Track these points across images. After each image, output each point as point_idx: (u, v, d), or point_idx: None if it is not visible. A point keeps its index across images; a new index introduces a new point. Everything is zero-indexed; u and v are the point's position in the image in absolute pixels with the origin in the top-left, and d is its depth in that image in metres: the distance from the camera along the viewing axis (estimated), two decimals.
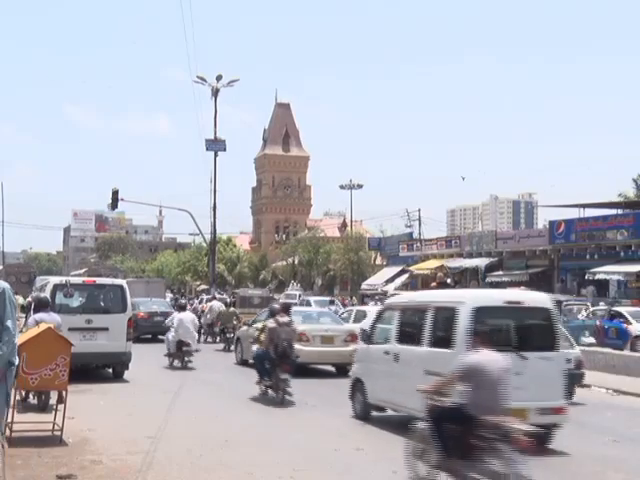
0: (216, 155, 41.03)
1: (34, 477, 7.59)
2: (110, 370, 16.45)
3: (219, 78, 40.74)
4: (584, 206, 38.21)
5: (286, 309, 14.84)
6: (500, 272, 38.48)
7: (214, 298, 29.80)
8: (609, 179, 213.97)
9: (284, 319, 14.09)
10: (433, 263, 43.99)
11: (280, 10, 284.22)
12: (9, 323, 5.97)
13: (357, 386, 12.00)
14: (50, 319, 10.97)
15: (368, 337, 12.38)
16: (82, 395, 12.59)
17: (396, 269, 50.13)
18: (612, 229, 32.61)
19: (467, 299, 10.27)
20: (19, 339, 9.83)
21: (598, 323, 22.94)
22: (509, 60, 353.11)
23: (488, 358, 7.50)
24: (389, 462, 8.62)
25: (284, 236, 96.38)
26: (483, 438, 7.12)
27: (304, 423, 11.34)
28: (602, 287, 32.25)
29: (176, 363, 18.30)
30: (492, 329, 9.25)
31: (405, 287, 46.18)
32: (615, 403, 14.05)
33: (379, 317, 12.39)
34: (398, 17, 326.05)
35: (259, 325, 15.87)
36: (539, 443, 8.78)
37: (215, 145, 40.90)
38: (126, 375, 16.13)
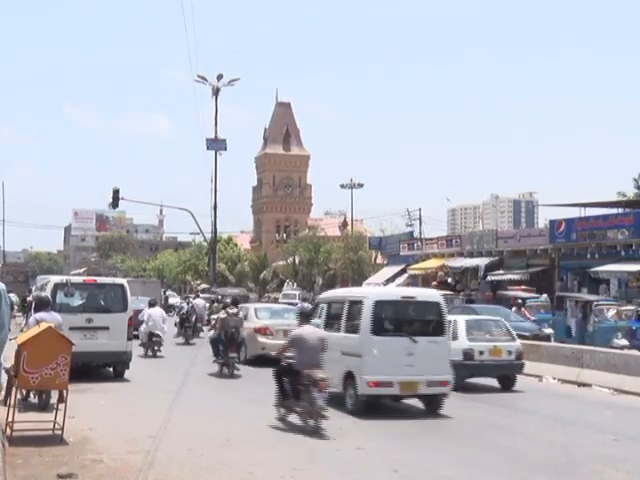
0: (217, 154, 41.08)
1: (35, 476, 7.59)
2: (111, 369, 16.46)
3: (220, 77, 40.82)
4: (585, 205, 38.19)
5: (235, 303, 18.54)
6: (501, 271, 38.47)
7: (197, 296, 32.32)
8: (609, 178, 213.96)
9: (233, 310, 17.60)
10: (434, 262, 43.98)
11: (281, 10, 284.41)
12: (5, 319, 6.00)
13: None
14: (51, 318, 10.96)
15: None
16: (83, 394, 12.59)
17: (397, 268, 50.11)
18: (613, 228, 32.59)
19: (370, 294, 13.14)
20: (20, 338, 9.88)
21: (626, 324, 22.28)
22: (509, 60, 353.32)
23: (308, 331, 11.26)
24: (390, 461, 8.64)
25: (285, 235, 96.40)
26: (303, 384, 10.71)
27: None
28: (603, 287, 32.26)
29: (149, 352, 20.85)
30: (390, 318, 12.59)
31: (406, 286, 46.21)
32: (616, 402, 14.05)
33: (317, 308, 14.43)
34: (398, 17, 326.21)
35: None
36: (430, 410, 12.34)
37: (216, 144, 40.95)
38: (127, 374, 16.14)
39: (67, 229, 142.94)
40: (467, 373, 15.15)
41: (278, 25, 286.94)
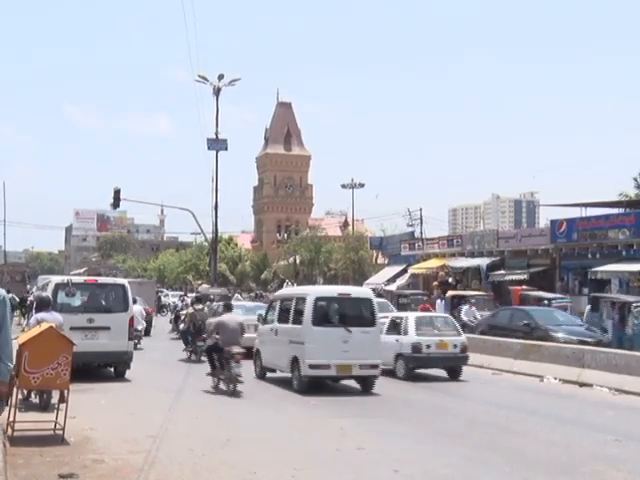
0: (218, 154, 41.05)
1: (36, 476, 7.59)
2: (112, 369, 16.47)
3: (221, 77, 40.73)
4: (586, 205, 38.13)
5: (199, 300, 22.55)
6: (502, 271, 38.42)
7: (185, 295, 34.26)
8: (611, 178, 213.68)
9: (199, 306, 21.29)
10: (435, 262, 43.92)
11: (282, 9, 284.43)
12: (9, 332, 5.99)
13: (257, 355, 16.85)
14: (52, 318, 10.96)
15: (264, 319, 17.37)
16: (84, 394, 12.60)
17: (397, 268, 50.05)
18: (614, 228, 32.54)
19: (312, 292, 15.89)
20: (21, 338, 9.88)
21: None
22: (510, 60, 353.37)
23: (229, 317, 15.18)
24: (390, 461, 8.63)
25: (286, 235, 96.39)
26: (225, 358, 14.30)
27: (305, 422, 11.35)
28: (604, 286, 32.21)
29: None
30: (328, 311, 15.02)
31: (407, 286, 46.15)
32: (617, 402, 14.05)
33: (270, 305, 17.72)
34: (399, 17, 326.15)
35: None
36: (364, 389, 14.79)
37: (216, 144, 40.90)
38: (128, 374, 16.15)
39: (68, 229, 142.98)
40: (415, 364, 17.15)
41: (279, 25, 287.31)
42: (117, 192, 39.87)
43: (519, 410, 13.07)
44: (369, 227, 77.82)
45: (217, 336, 14.74)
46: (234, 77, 41.75)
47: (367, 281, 54.47)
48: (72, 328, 13.49)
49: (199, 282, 74.04)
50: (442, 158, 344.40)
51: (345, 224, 78.99)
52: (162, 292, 55.02)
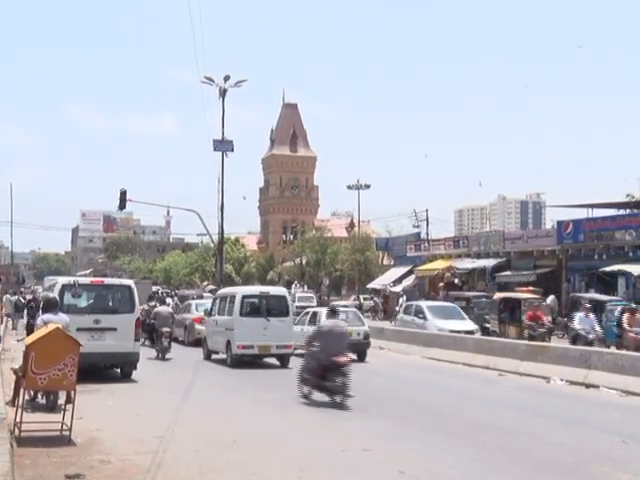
0: (224, 155, 41.10)
1: (43, 477, 7.62)
2: (118, 370, 16.50)
3: (227, 79, 40.79)
4: (592, 206, 38.06)
5: (162, 301, 26.23)
6: (508, 272, 38.37)
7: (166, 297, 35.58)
8: (617, 179, 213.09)
9: (151, 304, 25.98)
10: (441, 263, 43.91)
11: (288, 10, 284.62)
12: None
13: (204, 341, 21.70)
14: (58, 319, 10.97)
15: (209, 313, 21.89)
16: (90, 395, 12.63)
17: (403, 269, 50.03)
18: (620, 229, 32.48)
19: (240, 290, 21.51)
20: (28, 339, 9.92)
21: None
22: (516, 60, 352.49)
23: (163, 308, 22.57)
24: (396, 463, 8.62)
25: (291, 236, 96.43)
26: (158, 336, 20.65)
27: (311, 423, 11.35)
28: (610, 287, 32.15)
29: None
30: (252, 305, 19.73)
31: (413, 287, 46.13)
32: (623, 404, 14.00)
33: (214, 301, 22.48)
34: (405, 17, 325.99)
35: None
36: (282, 365, 19.10)
37: (222, 146, 40.94)
38: (134, 375, 16.18)
39: (75, 230, 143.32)
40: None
41: (285, 25, 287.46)
42: (123, 193, 39.97)
43: (525, 411, 13.04)
44: (375, 228, 77.80)
45: (154, 320, 21.60)
46: (240, 78, 41.85)
47: (373, 282, 54.50)
48: (79, 329, 13.55)
49: (205, 283, 74.18)
50: (448, 159, 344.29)
51: (351, 225, 78.93)
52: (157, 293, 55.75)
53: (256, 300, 20.06)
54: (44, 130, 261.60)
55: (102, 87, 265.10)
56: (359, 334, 21.17)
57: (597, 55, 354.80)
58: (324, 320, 15.53)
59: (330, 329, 13.34)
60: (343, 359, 12.87)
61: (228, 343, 19.29)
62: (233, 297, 19.97)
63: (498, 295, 28.83)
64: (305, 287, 61.09)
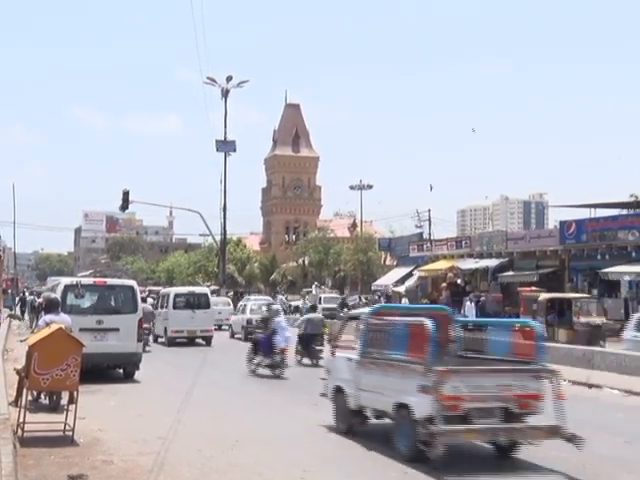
0: (226, 156, 41.15)
1: (46, 477, 7.62)
2: (121, 370, 16.50)
3: (229, 79, 40.93)
4: (595, 206, 37.96)
5: (143, 299, 25.47)
6: (510, 272, 38.29)
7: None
8: (620, 179, 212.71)
9: (144, 304, 25.15)
10: (443, 264, 43.81)
11: (290, 10, 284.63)
12: None
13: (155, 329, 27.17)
14: (60, 320, 10.97)
15: (159, 307, 28.03)
16: (93, 395, 12.64)
17: (406, 270, 49.93)
18: (623, 229, 32.38)
19: (173, 290, 29.85)
20: (30, 340, 9.92)
21: None
22: (520, 61, 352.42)
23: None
24: (400, 463, 8.61)
25: (294, 237, 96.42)
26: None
27: (315, 424, 11.32)
28: (613, 287, 32.08)
29: None
30: (182, 300, 27.53)
31: (416, 288, 46.07)
32: (626, 404, 13.98)
33: (158, 299, 29.56)
34: (408, 17, 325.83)
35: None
36: (207, 344, 26.57)
37: (225, 146, 41.04)
38: (137, 375, 16.19)
39: (77, 231, 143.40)
40: (250, 331, 23.80)
41: (287, 26, 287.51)
42: (126, 194, 40.05)
43: None
44: (378, 228, 77.75)
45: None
46: (242, 79, 41.93)
47: (375, 282, 54.44)
48: (81, 329, 13.54)
49: (208, 284, 74.22)
50: (450, 159, 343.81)
51: (354, 225, 78.87)
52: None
53: (185, 297, 27.63)
54: (47, 130, 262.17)
55: (105, 87, 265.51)
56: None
57: (598, 55, 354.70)
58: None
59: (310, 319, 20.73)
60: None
61: (165, 329, 26.53)
62: (168, 295, 27.71)
63: (544, 296, 27.01)
64: (321, 287, 60.50)
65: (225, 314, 35.09)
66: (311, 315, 21.22)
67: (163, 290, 31.23)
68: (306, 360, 19.82)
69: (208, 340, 26.39)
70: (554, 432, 8.64)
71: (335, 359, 11.18)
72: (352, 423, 10.48)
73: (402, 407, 8.96)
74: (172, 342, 26.06)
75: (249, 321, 27.71)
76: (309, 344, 19.93)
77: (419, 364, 8.70)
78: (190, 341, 26.64)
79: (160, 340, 27.12)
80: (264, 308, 22.35)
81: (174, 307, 26.75)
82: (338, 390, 10.75)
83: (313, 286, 56.49)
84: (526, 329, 9.89)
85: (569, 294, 28.25)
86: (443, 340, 10.19)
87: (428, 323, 8.80)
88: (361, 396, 10.13)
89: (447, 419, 8.32)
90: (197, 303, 27.12)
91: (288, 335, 18.23)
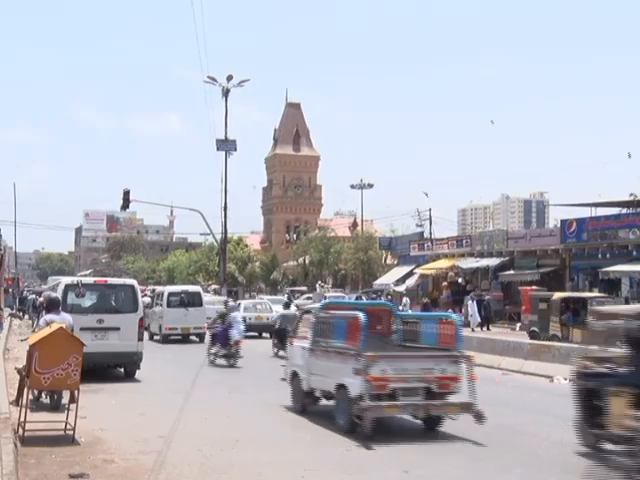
0: (227, 155, 41.11)
1: (47, 476, 7.63)
2: (122, 370, 16.50)
3: (230, 78, 40.80)
4: (596, 205, 37.97)
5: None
6: (511, 272, 38.31)
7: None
8: (621, 178, 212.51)
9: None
10: (444, 263, 43.83)
11: (291, 9, 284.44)
12: None
13: (148, 326, 25.99)
14: (60, 319, 10.97)
15: (150, 306, 28.40)
16: (94, 395, 12.65)
17: (407, 269, 49.95)
18: (624, 228, 32.38)
19: (167, 289, 30.79)
20: (31, 339, 9.92)
21: None
22: (521, 60, 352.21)
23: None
24: (400, 462, 8.62)
25: (295, 236, 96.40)
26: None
27: (315, 423, 11.33)
28: (614, 286, 32.07)
29: None
30: (175, 299, 27.84)
31: (417, 287, 46.10)
32: None
33: (153, 297, 30.30)
34: (410, 16, 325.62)
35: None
36: (200, 340, 26.11)
37: (226, 145, 40.96)
38: (137, 375, 16.19)
39: (78, 230, 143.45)
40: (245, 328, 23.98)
41: (288, 25, 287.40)
42: (126, 193, 39.99)
43: (529, 410, 13.03)
44: (378, 227, 77.73)
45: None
46: (243, 78, 41.86)
47: (376, 281, 54.46)
48: (82, 329, 13.53)
49: (208, 283, 74.20)
50: (451, 158, 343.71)
51: (354, 224, 78.89)
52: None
53: (178, 296, 28.31)
54: (48, 130, 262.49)
55: (106, 87, 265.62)
56: (268, 318, 28.68)
57: (597, 54, 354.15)
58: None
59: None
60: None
61: (160, 326, 27.31)
62: (163, 294, 28.58)
63: (558, 295, 26.04)
64: (327, 285, 60.43)
65: None
66: (285, 311, 22.73)
67: (158, 289, 32.17)
68: (282, 352, 20.20)
69: (201, 337, 26.68)
70: (467, 408, 10.28)
71: (293, 348, 12.68)
72: (305, 403, 12.03)
73: (341, 387, 10.52)
74: (166, 339, 26.84)
75: (242, 319, 28.86)
76: (284, 338, 20.32)
77: (353, 350, 10.27)
78: (184, 338, 27.33)
79: (156, 338, 27.58)
80: (223, 305, 24.44)
81: (168, 305, 27.45)
82: (294, 375, 12.30)
83: (317, 285, 56.59)
84: (449, 321, 11.29)
85: (585, 293, 27.84)
86: (386, 331, 12.33)
87: (361, 316, 10.36)
88: (311, 379, 11.69)
89: (377, 397, 9.96)
90: (190, 301, 27.79)
91: (242, 328, 20.57)
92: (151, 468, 7.99)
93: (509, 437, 10.46)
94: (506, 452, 9.43)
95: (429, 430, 10.75)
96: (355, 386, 10.05)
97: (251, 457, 8.80)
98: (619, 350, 9.28)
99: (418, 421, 10.97)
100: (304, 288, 56.57)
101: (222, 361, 19.62)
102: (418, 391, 10.35)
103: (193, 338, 27.43)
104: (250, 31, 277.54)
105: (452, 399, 10.48)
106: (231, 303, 23.28)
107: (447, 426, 11.15)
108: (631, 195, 42.28)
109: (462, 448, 9.62)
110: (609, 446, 8.65)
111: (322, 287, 55.90)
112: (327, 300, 24.04)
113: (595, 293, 28.24)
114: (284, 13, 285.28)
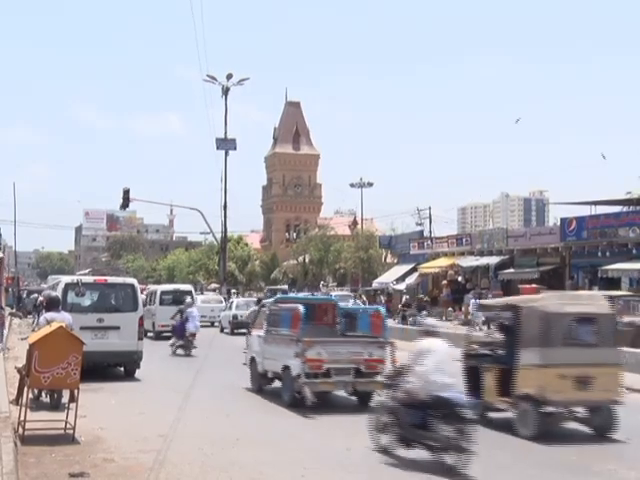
0: (227, 154, 41.13)
1: (47, 475, 7.63)
2: (122, 369, 16.50)
3: (229, 77, 40.92)
4: (595, 203, 37.93)
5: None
6: (511, 270, 38.29)
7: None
8: (621, 177, 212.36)
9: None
10: (444, 261, 43.81)
11: (290, 8, 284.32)
12: None
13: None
14: (61, 318, 10.97)
15: (144, 304, 23.58)
16: (94, 394, 12.65)
17: (407, 267, 49.93)
18: (624, 226, 32.34)
19: (159, 288, 32.09)
20: (31, 338, 9.92)
21: None
22: (521, 59, 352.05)
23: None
24: (400, 460, 8.63)
25: (295, 234, 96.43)
26: None
27: (315, 422, 11.34)
28: (613, 285, 32.05)
29: None
30: (168, 297, 29.36)
31: (416, 285, 46.10)
32: (627, 401, 13.93)
33: (146, 296, 29.55)
34: (410, 15, 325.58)
35: None
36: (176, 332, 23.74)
37: (225, 144, 41.03)
38: (137, 374, 16.19)
39: (78, 229, 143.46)
40: (235, 325, 29.93)
41: (287, 24, 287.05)
42: (126, 192, 40.05)
43: None
44: (378, 226, 77.75)
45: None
46: (243, 77, 41.90)
47: (376, 280, 54.44)
48: (82, 328, 13.54)
49: (208, 282, 74.26)
50: (451, 157, 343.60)
51: (354, 223, 78.88)
52: None
53: (170, 294, 29.58)
54: (48, 129, 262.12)
55: (105, 86, 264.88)
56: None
57: (597, 53, 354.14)
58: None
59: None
60: None
61: (153, 323, 27.92)
62: (155, 292, 30.08)
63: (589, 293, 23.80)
64: (331, 284, 60.27)
65: (217, 311, 36.19)
66: (257, 308, 24.22)
67: (151, 288, 33.90)
68: None
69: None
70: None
71: (251, 337, 14.74)
72: (261, 383, 14.07)
73: (286, 368, 12.49)
74: (159, 335, 27.50)
75: (235, 316, 30.96)
76: None
77: (294, 337, 12.24)
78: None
79: (149, 335, 27.53)
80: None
81: (160, 303, 28.75)
82: (252, 360, 14.41)
83: (321, 285, 56.69)
84: (379, 315, 13.50)
85: (612, 292, 27.51)
86: (331, 322, 14.50)
87: (300, 308, 12.61)
88: (265, 363, 13.66)
89: (314, 375, 12.02)
90: (182, 299, 27.67)
91: (198, 324, 23.19)
92: (151, 467, 7.99)
93: (508, 436, 10.41)
94: (505, 451, 9.41)
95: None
96: (295, 367, 12.04)
97: (252, 456, 8.79)
98: (498, 335, 11.74)
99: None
100: (285, 287, 56.96)
101: (181, 351, 21.88)
102: (349, 371, 12.24)
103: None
104: (249, 30, 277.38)
105: (378, 378, 11.89)
106: (188, 301, 24.59)
107: None
108: (627, 193, 42.27)
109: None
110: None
111: (326, 287, 56.01)
112: (278, 295, 25.19)
113: (620, 292, 27.58)
114: (283, 12, 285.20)
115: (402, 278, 48.18)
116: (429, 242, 49.08)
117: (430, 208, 58.23)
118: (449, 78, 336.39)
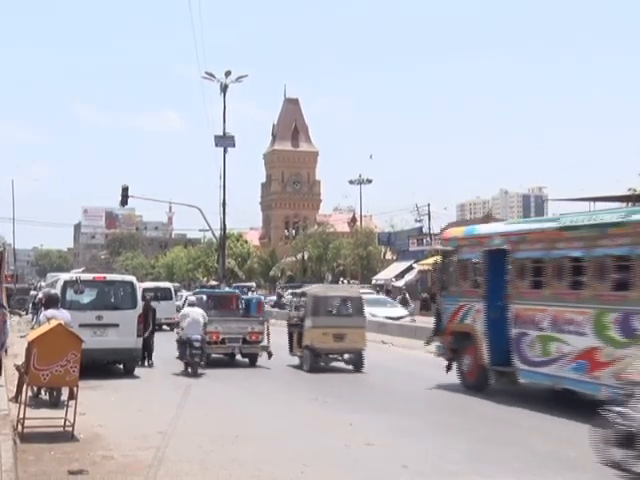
0: (225, 151, 41.05)
1: (46, 472, 7.63)
2: (121, 366, 16.51)
3: (228, 74, 40.71)
4: (594, 200, 37.80)
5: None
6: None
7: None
8: (620, 174, 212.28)
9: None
10: None
11: (289, 4, 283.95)
12: None
13: None
14: (60, 316, 10.96)
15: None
16: (93, 391, 12.65)
17: (406, 264, 50.07)
18: None
19: (144, 284, 30.19)
20: (30, 335, 9.92)
21: None
22: (520, 57, 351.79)
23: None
24: (399, 457, 8.63)
25: (294, 231, 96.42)
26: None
27: (314, 419, 11.35)
28: None
29: None
30: (149, 294, 24.58)
31: (416, 282, 46.14)
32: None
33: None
34: (409, 13, 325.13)
35: None
36: (170, 329, 27.62)
37: (224, 141, 40.88)
38: (137, 371, 16.19)
39: (77, 227, 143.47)
40: None
41: (286, 21, 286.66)
42: (125, 190, 39.97)
43: (522, 405, 13.02)
44: (377, 223, 77.75)
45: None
46: (241, 74, 41.80)
47: (376, 277, 54.51)
48: (81, 325, 13.51)
49: (207, 279, 74.23)
50: (450, 153, 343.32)
51: (353, 220, 78.91)
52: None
53: (151, 291, 29.32)
54: (47, 127, 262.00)
55: (104, 84, 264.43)
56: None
57: (596, 52, 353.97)
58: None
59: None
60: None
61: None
62: (149, 290, 30.36)
63: None
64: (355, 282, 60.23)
65: None
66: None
67: (145, 285, 36.00)
68: None
69: (171, 325, 27.85)
70: (264, 349, 17.78)
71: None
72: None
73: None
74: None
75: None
76: None
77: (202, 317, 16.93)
78: (158, 327, 28.02)
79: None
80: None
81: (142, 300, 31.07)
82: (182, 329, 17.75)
83: (324, 280, 56.72)
84: (261, 302, 23.15)
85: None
86: (235, 308, 20.75)
87: (204, 297, 19.91)
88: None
89: (214, 343, 17.60)
90: (162, 296, 30.39)
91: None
92: (150, 464, 7.99)
93: (507, 432, 10.42)
94: (504, 447, 9.42)
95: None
96: (202, 337, 16.57)
97: (251, 452, 8.76)
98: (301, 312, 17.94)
99: (418, 416, 11.35)
100: (252, 284, 57.78)
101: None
102: (238, 340, 17.86)
103: (165, 327, 28.61)
104: (248, 27, 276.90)
105: (258, 345, 17.95)
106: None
107: (443, 420, 11.14)
108: (630, 190, 42.25)
109: (460, 443, 9.59)
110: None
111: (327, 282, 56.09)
112: (197, 289, 29.60)
113: None
114: (282, 8, 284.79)
115: (401, 275, 48.28)
116: (428, 239, 49.13)
117: (429, 205, 58.26)
118: (449, 77, 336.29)
